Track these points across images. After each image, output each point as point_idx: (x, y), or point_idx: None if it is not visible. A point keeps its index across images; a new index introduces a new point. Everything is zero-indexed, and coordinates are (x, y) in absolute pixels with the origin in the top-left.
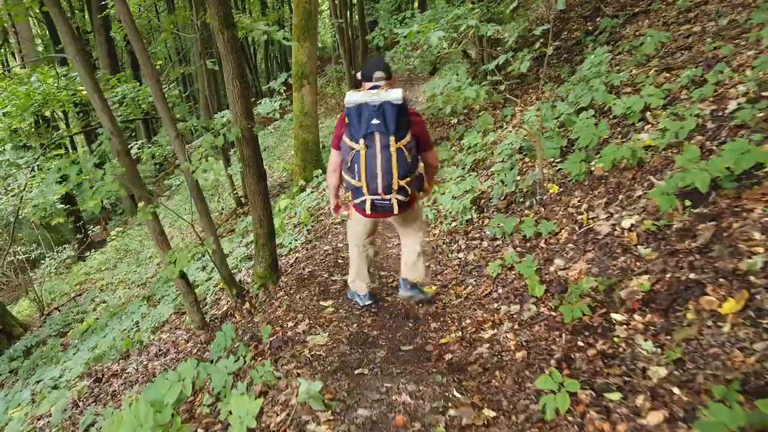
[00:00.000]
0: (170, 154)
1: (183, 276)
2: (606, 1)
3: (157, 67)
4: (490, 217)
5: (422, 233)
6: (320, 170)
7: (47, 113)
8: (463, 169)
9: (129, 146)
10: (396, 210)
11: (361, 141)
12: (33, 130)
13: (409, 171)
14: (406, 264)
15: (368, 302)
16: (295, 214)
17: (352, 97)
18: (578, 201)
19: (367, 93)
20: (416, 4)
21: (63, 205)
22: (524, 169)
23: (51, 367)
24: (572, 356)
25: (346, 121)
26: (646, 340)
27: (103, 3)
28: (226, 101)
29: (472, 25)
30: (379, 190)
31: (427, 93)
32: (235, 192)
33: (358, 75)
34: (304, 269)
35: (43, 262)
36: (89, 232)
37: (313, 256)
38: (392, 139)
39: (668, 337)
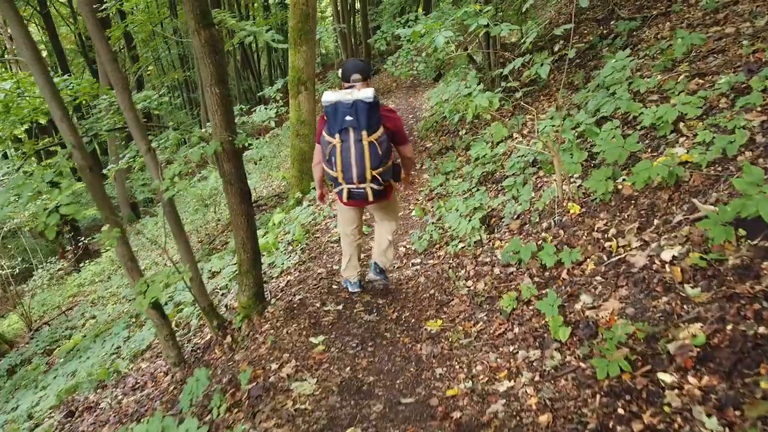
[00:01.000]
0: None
1: (156, 307)
2: (620, 3)
3: (148, 73)
4: (501, 239)
5: (395, 224)
6: None
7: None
8: (471, 182)
9: (120, 157)
10: (371, 197)
11: (337, 136)
12: (25, 138)
13: (380, 162)
14: (378, 250)
15: (357, 289)
16: (290, 230)
17: (329, 97)
18: (604, 224)
19: (343, 92)
20: (420, 8)
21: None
22: (539, 185)
23: (31, 391)
24: (611, 427)
25: (325, 118)
26: (709, 415)
27: (97, 6)
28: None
29: (483, 24)
30: (354, 180)
31: (432, 100)
32: None
33: (338, 73)
34: (294, 296)
35: (35, 272)
36: (87, 240)
37: (305, 280)
38: (364, 133)
39: (738, 413)
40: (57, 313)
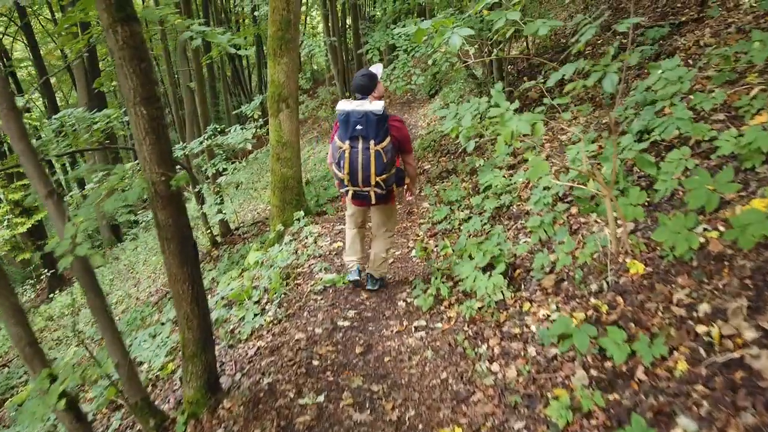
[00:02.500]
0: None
1: (70, 405)
2: (637, 10)
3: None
4: (532, 300)
5: (390, 239)
6: (302, 212)
7: None
8: (482, 218)
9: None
10: (373, 200)
11: (347, 142)
12: None
13: (385, 169)
14: (373, 263)
15: (355, 278)
16: (267, 270)
17: (343, 106)
18: (687, 295)
19: (356, 103)
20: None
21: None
22: (575, 227)
23: None
24: None
25: (338, 125)
26: None
27: None
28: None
29: (514, 19)
30: (359, 184)
31: (447, 125)
32: (209, 231)
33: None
34: (262, 378)
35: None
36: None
37: (279, 349)
38: (372, 142)
39: None
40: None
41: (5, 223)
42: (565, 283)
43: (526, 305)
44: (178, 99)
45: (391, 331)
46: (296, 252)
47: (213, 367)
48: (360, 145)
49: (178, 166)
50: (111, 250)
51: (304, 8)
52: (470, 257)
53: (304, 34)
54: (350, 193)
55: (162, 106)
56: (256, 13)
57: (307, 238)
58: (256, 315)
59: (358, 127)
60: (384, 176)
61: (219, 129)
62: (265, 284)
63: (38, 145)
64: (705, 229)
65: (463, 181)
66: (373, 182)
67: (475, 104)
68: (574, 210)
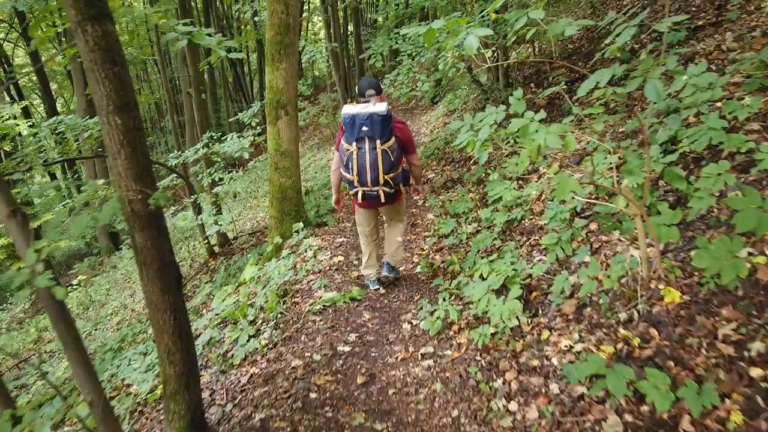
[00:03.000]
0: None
1: None
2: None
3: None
4: (551, 327)
5: (402, 226)
6: (301, 224)
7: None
8: (492, 232)
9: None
10: (382, 199)
11: (354, 144)
12: None
13: (392, 168)
14: (389, 251)
15: (376, 287)
16: (263, 288)
17: (348, 110)
18: (734, 331)
19: (360, 106)
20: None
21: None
22: (596, 245)
23: None
24: None
25: (343, 128)
26: None
27: None
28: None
29: (537, 18)
30: (369, 183)
31: (462, 138)
32: (206, 241)
33: (356, 89)
34: (253, 413)
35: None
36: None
37: (274, 378)
38: (378, 142)
39: None
40: (11, 363)
41: None
42: (589, 309)
43: (545, 333)
44: (178, 105)
45: (396, 359)
46: (294, 267)
47: (198, 405)
48: (367, 146)
49: (175, 175)
50: (109, 258)
51: (305, 14)
52: (481, 277)
53: (305, 39)
54: (360, 194)
55: (139, 116)
56: (256, 18)
57: (306, 251)
58: (250, 337)
59: (364, 128)
60: (392, 174)
61: (216, 137)
62: (261, 302)
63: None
64: (750, 254)
65: (469, 192)
66: (381, 181)
67: (493, 114)
68: (593, 226)
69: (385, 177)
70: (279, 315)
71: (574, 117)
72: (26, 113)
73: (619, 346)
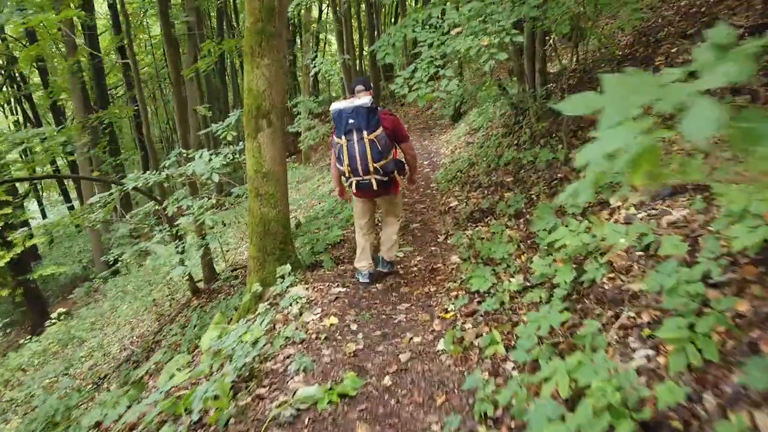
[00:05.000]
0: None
1: None
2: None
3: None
4: None
5: (398, 224)
6: (288, 266)
7: None
8: (554, 299)
9: None
10: (374, 187)
11: (343, 137)
12: None
13: (381, 156)
14: (384, 246)
15: (366, 281)
16: (220, 368)
17: (335, 106)
18: None
19: (346, 101)
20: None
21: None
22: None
23: None
24: None
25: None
26: None
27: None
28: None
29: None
30: (360, 172)
31: (596, 161)
32: (188, 279)
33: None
34: None
35: None
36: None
37: None
38: (365, 133)
39: None
40: None
41: None
42: None
43: None
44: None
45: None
46: (271, 330)
47: None
48: (355, 137)
49: (154, 202)
50: (105, 284)
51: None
52: (554, 396)
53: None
54: (354, 183)
55: None
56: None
57: (290, 306)
58: None
59: (350, 120)
60: (381, 162)
61: (188, 154)
62: (212, 392)
63: None
64: None
65: (507, 227)
66: (371, 169)
67: (631, 132)
68: (743, 306)
69: (375, 165)
70: (230, 420)
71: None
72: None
73: None
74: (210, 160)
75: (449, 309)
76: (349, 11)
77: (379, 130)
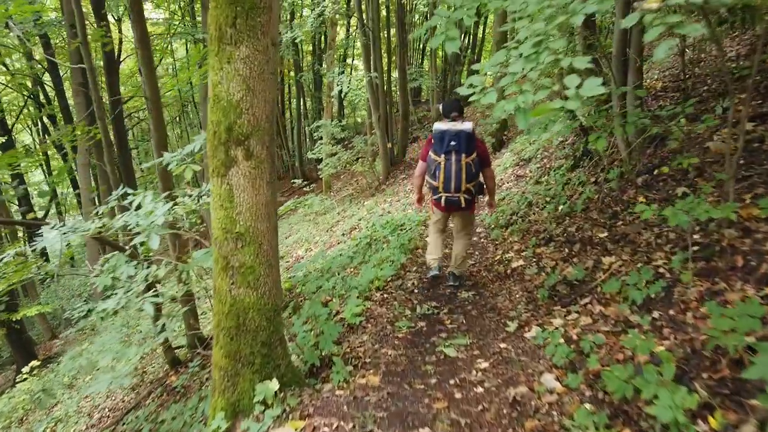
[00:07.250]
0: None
1: None
2: None
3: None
4: None
5: (469, 242)
6: (275, 382)
7: None
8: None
9: None
10: (462, 204)
11: (442, 156)
12: None
13: (472, 178)
14: (455, 261)
15: (435, 273)
16: None
17: (439, 126)
18: None
19: (450, 123)
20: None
21: None
22: None
23: None
24: None
25: (432, 141)
26: None
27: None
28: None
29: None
30: (452, 190)
31: None
32: (166, 344)
33: (439, 108)
34: None
35: None
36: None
37: None
38: (463, 155)
39: None
40: None
41: None
42: None
43: None
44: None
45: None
46: None
47: None
48: (453, 158)
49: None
50: (102, 322)
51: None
52: None
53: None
54: (443, 199)
55: None
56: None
57: None
58: None
59: (453, 143)
60: (472, 183)
61: (132, 194)
62: None
63: None
64: None
65: (633, 325)
66: (463, 188)
67: None
68: None
69: (467, 185)
70: None
71: None
72: None
73: None
74: (153, 208)
75: None
76: (378, 23)
77: (474, 155)
